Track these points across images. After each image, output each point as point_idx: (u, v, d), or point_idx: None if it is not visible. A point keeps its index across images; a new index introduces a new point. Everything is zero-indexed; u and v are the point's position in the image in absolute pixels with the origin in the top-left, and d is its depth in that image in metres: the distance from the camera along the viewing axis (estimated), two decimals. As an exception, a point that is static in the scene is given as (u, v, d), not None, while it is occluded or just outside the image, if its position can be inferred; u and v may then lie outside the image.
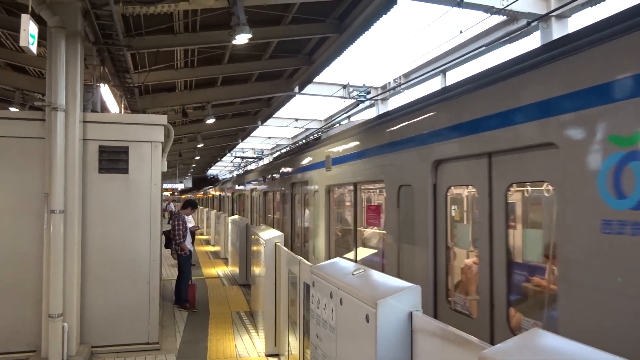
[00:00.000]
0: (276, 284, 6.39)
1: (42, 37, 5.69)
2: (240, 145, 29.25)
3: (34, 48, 4.70)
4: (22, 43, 4.49)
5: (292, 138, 25.98)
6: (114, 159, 6.58)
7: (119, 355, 6.45)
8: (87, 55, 7.65)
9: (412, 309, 2.53)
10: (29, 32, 4.51)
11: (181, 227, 9.13)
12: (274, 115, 19.02)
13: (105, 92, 9.50)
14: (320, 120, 21.70)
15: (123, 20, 8.16)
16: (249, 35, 6.92)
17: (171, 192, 50.24)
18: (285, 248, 6.05)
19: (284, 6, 8.84)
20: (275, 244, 6.49)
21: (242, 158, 27.94)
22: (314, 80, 13.69)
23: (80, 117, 6.19)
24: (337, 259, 3.99)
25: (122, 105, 11.68)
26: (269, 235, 6.84)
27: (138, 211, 6.66)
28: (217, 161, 41.38)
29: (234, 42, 7.25)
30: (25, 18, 4.46)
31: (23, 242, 6.18)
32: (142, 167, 6.68)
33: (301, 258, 4.91)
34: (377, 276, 3.03)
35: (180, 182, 50.21)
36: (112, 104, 10.55)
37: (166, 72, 11.26)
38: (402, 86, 14.00)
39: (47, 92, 5.89)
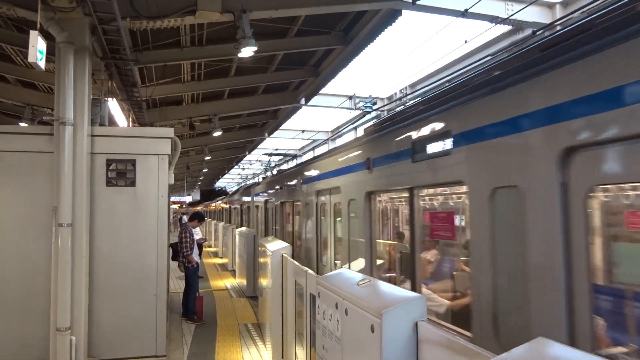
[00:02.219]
0: (283, 296, 6.37)
1: (50, 53, 5.79)
2: (247, 157, 29.36)
3: (42, 64, 4.77)
4: (30, 59, 4.56)
5: (300, 150, 26.04)
6: (121, 172, 6.63)
7: (127, 368, 6.45)
8: (95, 70, 7.75)
9: (418, 319, 2.51)
10: (37, 48, 4.59)
11: (188, 239, 9.16)
12: (280, 127, 19.12)
13: (113, 106, 9.60)
14: (327, 132, 21.74)
15: (130, 35, 8.28)
16: (255, 48, 6.98)
17: (179, 205, 50.39)
18: (291, 259, 6.04)
19: (290, 19, 8.93)
20: (282, 255, 6.49)
21: (270, 155, 21.57)
22: (320, 91, 13.77)
23: (88, 131, 6.25)
24: (344, 270, 3.97)
25: (130, 119, 11.79)
26: (275, 246, 6.83)
27: (145, 223, 6.69)
28: (225, 173, 41.56)
29: (240, 55, 7.31)
30: (33, 34, 4.54)
31: (32, 255, 6.21)
32: (149, 179, 6.72)
33: (307, 269, 4.90)
34: (383, 286, 3.01)
35: (189, 195, 50.40)
36: (120, 117, 10.65)
37: (173, 86, 11.37)
38: (409, 96, 14.02)
39: (55, 106, 5.96)
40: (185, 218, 33.52)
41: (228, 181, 49.95)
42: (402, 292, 2.76)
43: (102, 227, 6.51)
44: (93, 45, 6.76)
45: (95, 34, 6.40)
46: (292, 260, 5.98)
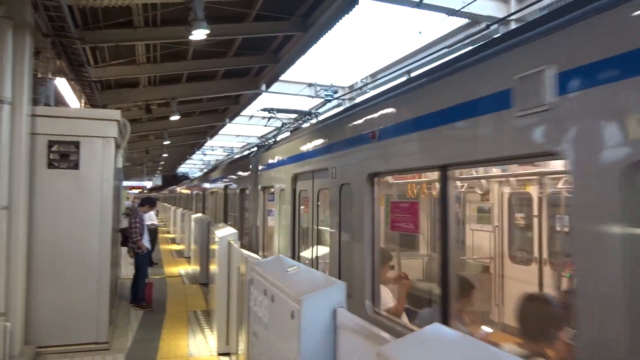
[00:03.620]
0: (229, 282, 6.34)
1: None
2: (209, 142, 28.97)
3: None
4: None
5: (261, 137, 25.85)
6: (64, 154, 6.43)
7: (66, 356, 6.29)
8: (42, 47, 7.46)
9: (337, 306, 2.53)
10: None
11: (138, 224, 8.98)
12: (242, 113, 18.90)
13: (63, 86, 9.28)
14: (290, 119, 21.61)
15: (80, 13, 7.99)
16: (207, 31, 6.84)
17: (140, 190, 49.42)
18: (237, 246, 6.00)
19: (248, 3, 8.79)
20: (229, 241, 6.45)
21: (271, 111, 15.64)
22: (281, 78, 13.66)
23: (28, 111, 6.01)
24: (280, 256, 3.97)
25: (82, 100, 11.43)
26: (223, 232, 6.78)
27: (89, 208, 6.52)
28: (187, 159, 40.90)
29: (192, 37, 7.16)
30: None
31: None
32: (94, 162, 6.54)
33: (249, 255, 4.88)
34: (310, 274, 3.02)
35: (149, 180, 49.46)
36: (72, 98, 10.32)
37: (128, 68, 11.05)
38: (369, 86, 14.06)
39: (-8, 84, 5.70)
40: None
41: (190, 167, 49.22)
42: (325, 278, 2.77)
43: (42, 211, 6.31)
44: (37, 22, 6.50)
45: (38, 9, 6.14)
46: (236, 246, 5.95)
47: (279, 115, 11.17)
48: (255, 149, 13.08)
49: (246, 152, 16.44)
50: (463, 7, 7.41)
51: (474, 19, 8.96)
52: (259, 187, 9.54)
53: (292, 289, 2.69)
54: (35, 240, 6.23)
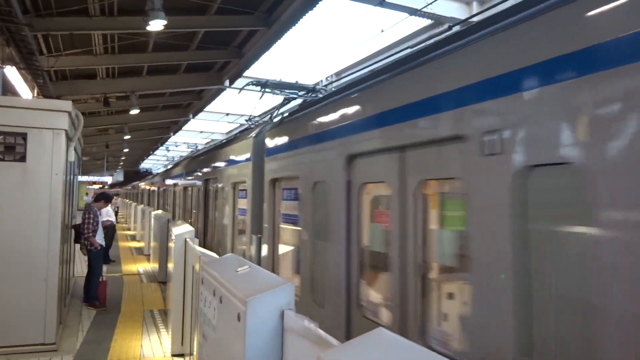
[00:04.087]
0: (184, 281, 6.15)
1: None
2: (173, 138, 28.42)
3: None
4: None
5: (227, 133, 25.50)
6: (9, 146, 6.11)
7: (10, 357, 5.97)
8: (-12, 33, 7.09)
9: (285, 307, 2.42)
10: None
11: (91, 220, 8.65)
12: (206, 109, 18.58)
13: (13, 75, 8.87)
14: (255, 116, 21.36)
15: (30, -2, 7.61)
16: (164, 22, 6.63)
17: (101, 186, 48.12)
18: (192, 244, 5.81)
19: (209, -5, 8.60)
20: (185, 239, 6.25)
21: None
22: (246, 74, 13.46)
23: (-30, 99, 5.68)
24: (231, 255, 3.83)
25: (35, 91, 10.97)
26: (180, 230, 6.58)
27: (36, 203, 6.20)
28: (150, 154, 40.04)
29: (149, 28, 6.93)
30: None
31: None
32: (42, 155, 6.23)
33: (202, 253, 4.71)
34: (259, 274, 2.90)
35: (110, 175, 48.22)
36: (23, 88, 9.88)
37: (83, 58, 10.64)
38: (334, 84, 14.01)
39: None
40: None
41: (154, 162, 48.23)
42: (274, 279, 2.66)
43: (-15, 205, 5.97)
44: (-18, 6, 6.16)
45: (-18, -8, 5.81)
46: (192, 244, 5.77)
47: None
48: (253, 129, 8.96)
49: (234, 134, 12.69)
50: (424, 7, 7.41)
51: (437, 19, 9.01)
52: (267, 180, 6.45)
53: (240, 290, 2.57)
54: (-24, 236, 5.89)
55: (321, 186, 4.88)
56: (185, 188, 14.11)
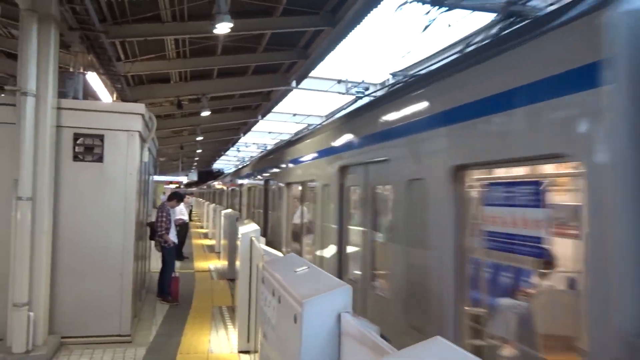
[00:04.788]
0: (250, 279, 6.24)
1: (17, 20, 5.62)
2: (243, 139, 29.18)
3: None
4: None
5: (295, 134, 25.84)
6: (88, 147, 6.46)
7: (89, 347, 6.32)
8: (71, 41, 7.55)
9: (342, 310, 2.35)
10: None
11: (164, 219, 9.00)
12: (274, 110, 18.92)
13: (95, 80, 9.39)
14: (322, 116, 21.52)
15: (108, 7, 8.04)
16: (230, 24, 6.76)
17: (178, 185, 50.22)
18: (257, 242, 5.88)
19: (274, -4, 8.71)
20: (251, 238, 6.34)
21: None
22: (312, 74, 13.56)
23: (53, 104, 6.05)
24: (292, 255, 3.82)
25: (115, 95, 11.57)
26: (246, 229, 6.69)
27: (112, 201, 6.53)
28: (222, 155, 41.38)
29: (215, 31, 7.10)
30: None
31: (-7, 229, 6.06)
32: (118, 156, 6.55)
33: (267, 252, 4.75)
34: (318, 275, 2.85)
35: (185, 175, 50.26)
36: (104, 93, 10.44)
37: (158, 63, 11.14)
38: (402, 83, 13.78)
39: (17, 76, 5.76)
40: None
41: (225, 163, 49.78)
42: (331, 281, 2.60)
43: (66, 203, 6.35)
44: (64, 15, 6.55)
45: (63, 2, 6.18)
46: (257, 243, 5.84)
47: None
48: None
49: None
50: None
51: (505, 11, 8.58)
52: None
53: (297, 291, 2.53)
54: (59, 231, 6.28)
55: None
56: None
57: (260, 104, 18.45)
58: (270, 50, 11.57)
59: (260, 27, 9.59)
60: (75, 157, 6.41)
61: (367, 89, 15.09)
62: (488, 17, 9.13)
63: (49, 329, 6.18)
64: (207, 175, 52.87)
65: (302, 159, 8.17)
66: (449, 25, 7.33)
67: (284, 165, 9.51)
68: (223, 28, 6.92)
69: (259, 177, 12.21)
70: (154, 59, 10.78)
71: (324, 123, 6.50)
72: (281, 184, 9.42)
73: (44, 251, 5.96)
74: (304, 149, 8.16)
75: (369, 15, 8.54)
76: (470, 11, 6.90)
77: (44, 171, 5.91)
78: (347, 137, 5.98)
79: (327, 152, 6.69)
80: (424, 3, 7.06)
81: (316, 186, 7.12)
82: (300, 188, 8.46)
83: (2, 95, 6.43)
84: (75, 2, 6.08)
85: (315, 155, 7.36)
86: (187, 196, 19.01)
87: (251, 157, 36.30)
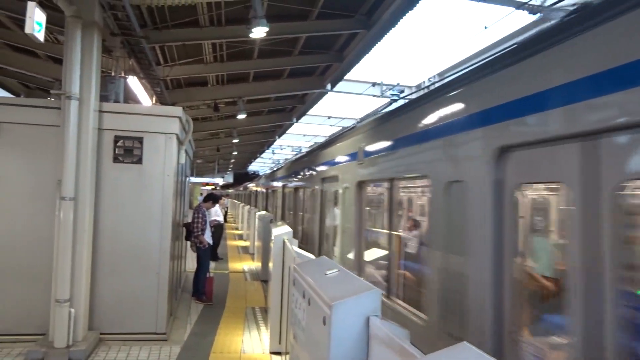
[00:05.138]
0: (283, 281, 6.29)
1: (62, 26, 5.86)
2: (278, 141, 29.42)
3: (40, 36, 4.77)
4: (27, 30, 4.56)
5: (329, 136, 25.89)
6: (128, 149, 6.65)
7: (126, 344, 6.50)
8: (113, 46, 7.80)
9: (371, 314, 2.36)
10: (35, 20, 4.58)
11: (200, 220, 9.17)
12: (309, 113, 19.01)
13: (135, 84, 9.66)
14: (356, 119, 21.49)
15: (148, 13, 8.27)
16: (266, 28, 6.86)
17: (214, 187, 51.00)
18: (290, 244, 5.93)
19: (310, 1, 8.75)
20: (283, 240, 6.39)
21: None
22: (346, 77, 13.56)
23: (95, 107, 6.26)
24: (323, 258, 3.84)
25: (154, 99, 11.87)
26: (279, 231, 6.75)
27: (150, 202, 6.70)
28: (257, 157, 41.84)
29: (252, 35, 7.21)
30: (31, 6, 4.53)
31: (38, 227, 6.31)
32: (156, 158, 6.72)
33: (299, 254, 4.78)
34: (348, 278, 2.86)
35: (221, 177, 51.03)
36: (144, 96, 10.72)
37: (195, 67, 11.37)
38: (437, 85, 13.64)
39: (62, 81, 5.98)
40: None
41: (260, 165, 50.32)
42: (361, 284, 2.60)
43: (107, 203, 6.55)
44: (106, 21, 6.77)
45: (106, 9, 6.39)
46: (289, 245, 5.88)
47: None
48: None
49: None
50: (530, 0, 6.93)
51: (546, 12, 8.39)
52: None
53: (326, 294, 2.55)
54: (99, 231, 6.48)
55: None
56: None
57: (295, 107, 18.57)
58: (305, 53, 11.65)
59: (295, 30, 9.67)
60: (116, 159, 6.61)
61: (402, 91, 15.01)
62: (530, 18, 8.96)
63: (88, 325, 6.39)
64: (243, 177, 53.60)
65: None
66: (485, 28, 7.17)
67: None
68: (259, 32, 7.02)
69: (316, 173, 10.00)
70: (192, 62, 11.02)
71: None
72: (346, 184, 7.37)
73: (85, 249, 6.17)
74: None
75: (405, 17, 8.48)
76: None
77: (86, 172, 6.12)
78: None
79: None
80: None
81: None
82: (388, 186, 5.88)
83: (50, 99, 6.71)
84: (118, 9, 6.28)
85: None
86: (222, 198, 19.29)
87: (286, 159, 36.61)
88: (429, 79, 14.19)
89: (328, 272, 3.00)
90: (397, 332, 2.10)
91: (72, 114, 5.88)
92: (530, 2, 7.13)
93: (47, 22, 8.76)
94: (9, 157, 6.36)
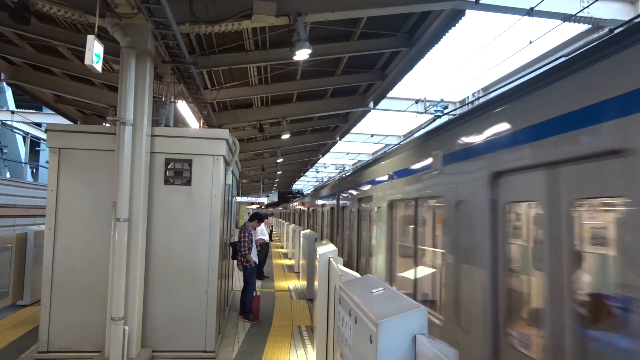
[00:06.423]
0: (328, 299, 6.31)
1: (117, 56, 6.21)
2: (322, 160, 29.62)
3: (98, 67, 5.07)
4: (86, 62, 4.86)
5: (372, 154, 25.87)
6: (178, 171, 6.90)
7: (176, 361, 6.67)
8: (164, 73, 8.15)
9: (417, 332, 2.37)
10: (94, 52, 4.87)
11: (246, 239, 9.35)
12: (352, 131, 19.10)
13: (184, 108, 10.03)
14: (400, 136, 21.43)
15: (197, 40, 8.62)
16: (309, 51, 7.01)
17: (259, 206, 51.64)
18: (335, 263, 5.96)
19: (352, 21, 8.88)
20: (329, 258, 6.43)
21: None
22: (389, 95, 13.59)
23: (148, 131, 6.56)
24: (369, 276, 3.86)
25: (201, 121, 12.27)
26: (324, 249, 6.79)
27: (199, 222, 6.90)
28: (301, 176, 42.19)
29: (295, 58, 7.38)
30: (90, 39, 4.83)
31: (95, 248, 6.61)
32: (204, 179, 6.94)
33: (344, 273, 4.81)
34: (393, 296, 2.88)
35: (266, 196, 51.63)
36: (192, 119, 11.10)
37: (242, 89, 11.69)
38: (481, 100, 13.47)
39: (117, 107, 6.30)
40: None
41: (304, 184, 50.69)
42: (407, 303, 2.61)
43: (158, 224, 6.80)
44: (158, 50, 7.11)
45: (158, 39, 6.71)
46: (334, 263, 5.91)
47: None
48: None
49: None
50: (580, 11, 6.80)
51: (595, 23, 8.20)
52: None
53: (372, 312, 2.58)
54: (151, 250, 6.72)
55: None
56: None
57: (338, 125, 18.70)
58: (348, 72, 11.78)
59: (338, 51, 9.81)
60: (167, 181, 6.87)
61: (445, 107, 14.90)
62: (574, 30, 8.78)
63: (142, 342, 6.59)
64: (288, 195, 54.07)
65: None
66: (530, 42, 7.07)
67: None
68: (302, 54, 7.18)
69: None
70: (238, 85, 11.35)
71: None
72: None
73: (138, 268, 6.41)
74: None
75: (447, 34, 8.47)
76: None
77: (139, 194, 6.39)
78: None
79: None
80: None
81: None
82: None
83: (105, 124, 7.07)
84: (168, 38, 6.57)
85: None
86: (267, 217, 19.59)
87: (329, 177, 36.75)
88: (472, 94, 14.03)
89: (374, 291, 3.03)
90: (445, 351, 2.10)
91: (126, 139, 6.18)
92: (578, 14, 6.98)
93: (103, 52, 9.36)
94: (68, 181, 6.71)
